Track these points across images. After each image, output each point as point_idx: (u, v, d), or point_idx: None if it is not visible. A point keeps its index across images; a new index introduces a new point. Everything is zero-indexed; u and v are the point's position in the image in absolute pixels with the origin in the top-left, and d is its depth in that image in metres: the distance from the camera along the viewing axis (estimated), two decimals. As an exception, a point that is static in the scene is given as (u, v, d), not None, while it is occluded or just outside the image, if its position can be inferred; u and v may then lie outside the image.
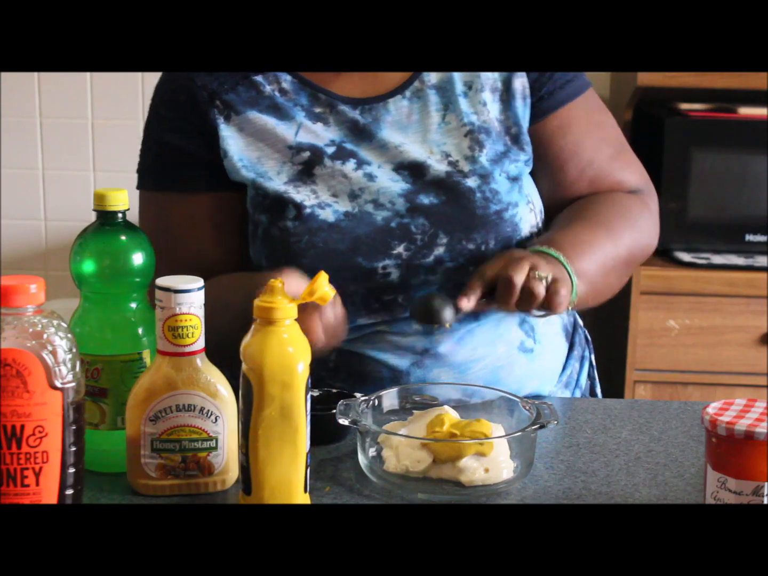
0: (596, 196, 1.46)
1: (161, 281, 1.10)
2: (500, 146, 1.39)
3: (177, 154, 1.40)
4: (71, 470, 1.02)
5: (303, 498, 1.08)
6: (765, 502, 1.01)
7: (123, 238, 1.17)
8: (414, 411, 1.23)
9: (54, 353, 0.99)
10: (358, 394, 1.25)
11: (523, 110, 1.42)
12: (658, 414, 1.38)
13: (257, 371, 1.04)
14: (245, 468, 1.07)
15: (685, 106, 2.61)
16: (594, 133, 1.47)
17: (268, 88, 1.38)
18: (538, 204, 1.45)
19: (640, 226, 1.46)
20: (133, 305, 1.18)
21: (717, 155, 2.54)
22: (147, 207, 1.44)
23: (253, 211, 1.38)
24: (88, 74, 2.82)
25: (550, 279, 1.24)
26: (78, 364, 1.02)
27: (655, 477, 1.19)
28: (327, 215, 1.34)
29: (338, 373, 1.38)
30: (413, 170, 1.37)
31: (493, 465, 1.14)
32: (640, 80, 2.52)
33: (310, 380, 1.07)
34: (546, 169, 1.45)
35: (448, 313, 1.26)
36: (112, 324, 1.17)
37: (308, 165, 1.36)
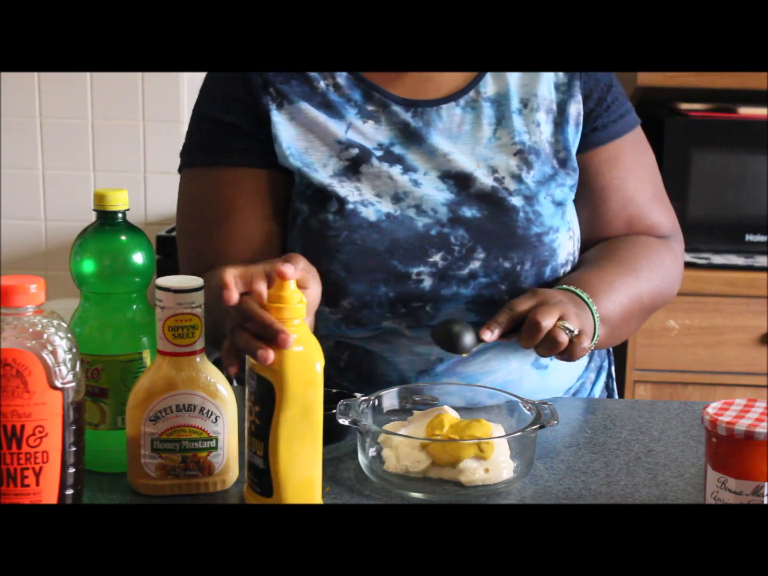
0: (629, 238, 1.45)
1: (161, 281, 1.10)
2: (548, 168, 1.39)
3: (230, 130, 1.38)
4: (71, 470, 1.02)
5: (320, 498, 1.09)
6: (765, 502, 1.01)
7: (123, 238, 1.17)
8: (414, 411, 1.23)
9: (54, 353, 0.99)
10: (358, 394, 1.25)
11: (573, 136, 1.41)
12: (658, 414, 1.38)
13: (279, 372, 1.03)
14: (262, 470, 1.06)
15: (685, 106, 2.61)
16: (638, 172, 1.47)
17: (322, 84, 1.38)
18: (578, 232, 1.44)
19: (667, 276, 1.47)
20: (133, 305, 1.18)
21: (717, 155, 2.54)
22: (192, 185, 1.42)
23: (295, 199, 1.37)
24: (88, 74, 2.82)
25: (576, 333, 1.24)
26: (78, 364, 1.02)
27: (655, 477, 1.19)
28: (369, 214, 1.33)
29: (347, 373, 1.38)
30: (459, 180, 1.36)
31: (493, 465, 1.14)
32: (640, 80, 2.52)
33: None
34: (588, 200, 1.45)
35: (468, 342, 1.25)
36: (112, 324, 1.17)
37: (355, 162, 1.36)
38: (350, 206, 1.33)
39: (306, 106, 1.37)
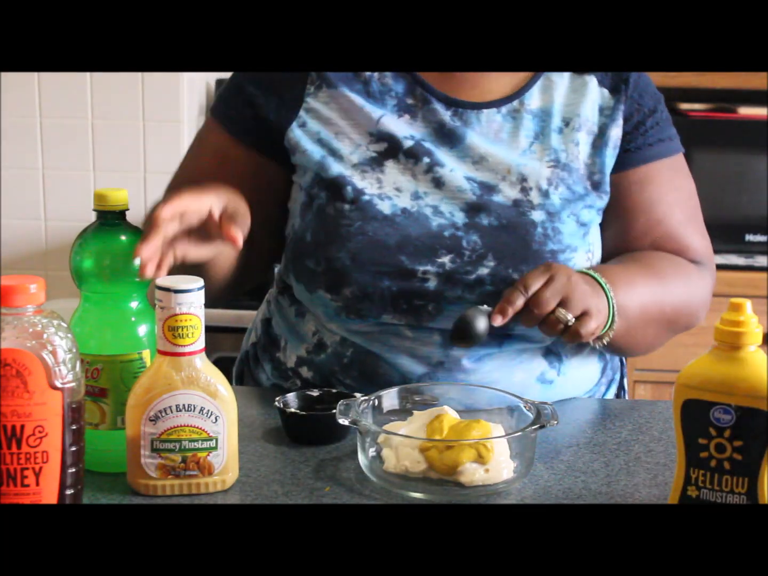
0: (658, 252, 1.43)
1: (161, 281, 1.10)
2: (579, 188, 1.37)
3: (244, 101, 1.40)
4: (71, 470, 1.02)
5: None
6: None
7: (123, 238, 1.17)
8: (414, 411, 1.23)
9: (54, 353, 0.99)
10: (358, 394, 1.25)
11: (610, 159, 1.40)
12: (658, 414, 1.38)
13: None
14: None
15: (685, 106, 2.61)
16: (671, 196, 1.44)
17: (367, 72, 1.38)
18: (597, 255, 1.42)
19: (692, 290, 1.44)
20: (133, 305, 1.18)
21: (717, 155, 2.54)
22: (204, 131, 1.47)
23: (313, 185, 1.37)
24: (88, 74, 2.82)
25: (571, 323, 1.23)
26: (78, 364, 1.02)
27: (655, 477, 1.19)
28: (384, 207, 1.34)
29: (351, 370, 1.38)
30: (483, 187, 1.35)
31: (493, 465, 1.14)
32: (640, 80, 2.51)
33: None
34: (614, 220, 1.43)
35: (480, 328, 1.25)
36: (112, 324, 1.17)
37: (382, 155, 1.36)
38: (366, 198, 1.34)
39: (346, 92, 1.37)
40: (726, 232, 2.55)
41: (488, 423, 1.18)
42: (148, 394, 1.10)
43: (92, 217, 1.18)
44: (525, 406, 1.21)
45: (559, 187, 1.36)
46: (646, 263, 1.40)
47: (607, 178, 1.40)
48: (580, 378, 1.43)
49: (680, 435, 1.03)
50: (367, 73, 1.38)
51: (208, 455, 1.12)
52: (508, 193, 1.35)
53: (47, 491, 1.01)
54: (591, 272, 1.31)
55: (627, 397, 1.57)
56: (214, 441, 1.12)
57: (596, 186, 1.39)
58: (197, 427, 1.11)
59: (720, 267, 2.48)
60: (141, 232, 1.18)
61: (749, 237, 2.55)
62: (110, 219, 1.17)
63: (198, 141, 1.48)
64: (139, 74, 2.80)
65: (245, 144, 1.41)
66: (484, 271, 1.33)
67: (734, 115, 2.55)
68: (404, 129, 1.37)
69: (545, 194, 1.35)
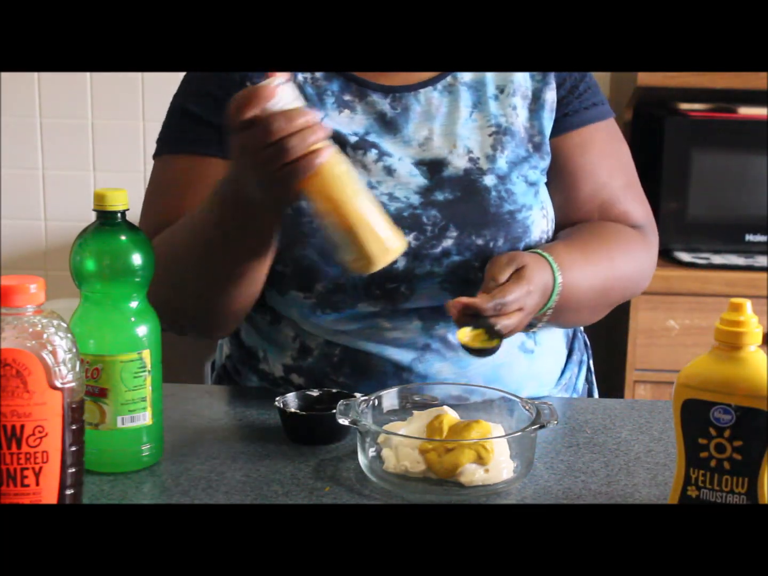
0: (601, 222, 1.46)
1: None
2: (522, 151, 1.41)
3: (198, 121, 1.41)
4: (71, 470, 1.02)
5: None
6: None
7: (123, 238, 1.17)
8: (414, 411, 1.23)
9: (54, 353, 0.99)
10: (358, 394, 1.25)
11: (548, 122, 1.43)
12: (658, 414, 1.38)
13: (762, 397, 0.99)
14: None
15: (685, 106, 2.61)
16: (611, 159, 1.48)
17: (300, 77, 1.39)
18: (551, 213, 1.45)
19: (637, 263, 1.48)
20: (133, 305, 1.18)
21: (717, 155, 2.54)
22: (159, 170, 1.45)
23: None
24: (88, 74, 2.82)
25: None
26: (78, 364, 1.02)
27: (655, 477, 1.19)
28: None
29: (342, 368, 1.38)
30: (433, 166, 1.38)
31: (493, 465, 1.14)
32: (640, 80, 2.52)
33: None
34: (560, 184, 1.46)
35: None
36: (112, 324, 1.17)
37: None
38: None
39: None
40: (726, 232, 2.55)
41: (488, 423, 1.18)
42: None
43: (92, 217, 1.18)
44: (525, 406, 1.21)
45: (504, 150, 1.39)
46: (598, 238, 1.42)
47: (547, 140, 1.43)
48: (553, 349, 1.47)
49: (680, 435, 1.03)
50: (300, 78, 1.39)
51: None
52: (457, 164, 1.38)
53: (47, 491, 1.01)
54: (539, 251, 1.33)
55: (594, 379, 1.59)
56: None
57: (537, 147, 1.42)
58: None
59: (720, 267, 2.51)
60: (141, 232, 1.19)
61: (749, 237, 2.55)
62: (110, 219, 1.17)
63: (157, 181, 1.45)
64: (139, 74, 2.81)
65: (218, 156, 1.39)
66: (448, 242, 1.35)
67: (734, 115, 2.55)
68: (346, 125, 1.38)
69: (492, 159, 1.38)
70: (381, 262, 1.17)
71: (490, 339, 1.23)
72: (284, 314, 1.41)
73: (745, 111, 2.55)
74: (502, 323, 1.23)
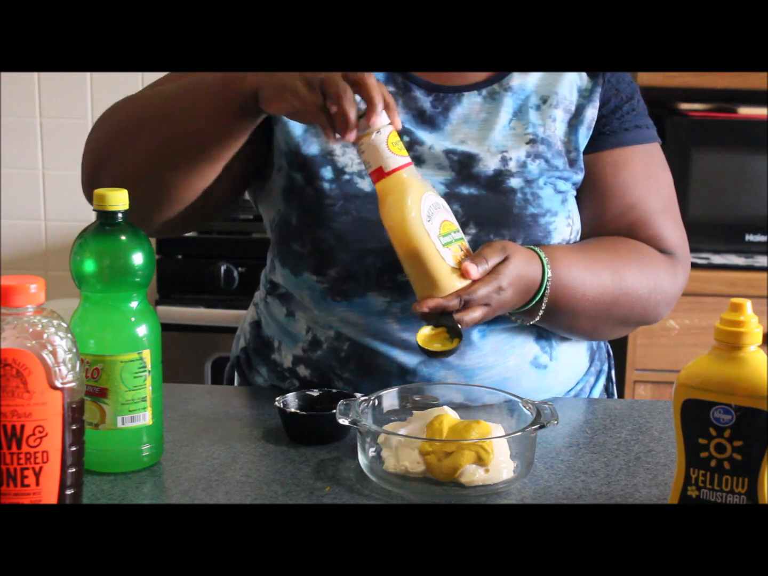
0: (621, 238, 1.43)
1: None
2: (556, 162, 1.39)
3: None
4: (71, 470, 1.02)
5: None
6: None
7: (123, 238, 1.17)
8: (414, 411, 1.23)
9: (54, 353, 0.99)
10: (358, 394, 1.25)
11: (583, 138, 1.42)
12: (658, 414, 1.38)
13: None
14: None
15: (685, 106, 2.61)
16: (647, 182, 1.45)
17: None
18: (578, 224, 1.42)
19: (656, 283, 1.41)
20: (133, 305, 1.18)
21: (717, 155, 2.54)
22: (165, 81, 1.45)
23: (287, 168, 1.38)
24: (88, 74, 2.82)
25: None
26: (78, 364, 1.02)
27: (655, 477, 1.19)
28: (364, 185, 1.34)
29: (348, 364, 1.38)
30: (463, 161, 1.37)
31: (493, 465, 1.14)
32: (640, 80, 2.52)
33: None
34: (590, 202, 1.44)
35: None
36: (112, 324, 1.17)
37: None
38: (346, 177, 1.35)
39: None
40: (726, 232, 2.55)
41: (488, 423, 1.18)
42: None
43: (92, 217, 1.18)
44: (525, 406, 1.21)
45: (538, 159, 1.38)
46: (607, 247, 1.41)
47: (581, 157, 1.42)
48: (571, 364, 1.45)
49: (680, 435, 1.03)
50: None
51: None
52: (488, 163, 1.37)
53: (47, 491, 1.01)
54: (533, 246, 1.32)
55: (615, 390, 1.57)
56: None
57: (572, 163, 1.41)
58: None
59: (720, 267, 2.51)
60: (141, 232, 1.19)
61: (749, 237, 2.55)
62: (110, 219, 1.17)
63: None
64: (139, 74, 2.81)
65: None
66: (466, 239, 1.33)
67: (734, 115, 2.55)
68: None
69: (524, 165, 1.37)
70: (443, 289, 1.21)
71: (450, 339, 1.23)
72: (298, 300, 1.41)
73: (745, 111, 2.55)
74: (466, 316, 1.22)
